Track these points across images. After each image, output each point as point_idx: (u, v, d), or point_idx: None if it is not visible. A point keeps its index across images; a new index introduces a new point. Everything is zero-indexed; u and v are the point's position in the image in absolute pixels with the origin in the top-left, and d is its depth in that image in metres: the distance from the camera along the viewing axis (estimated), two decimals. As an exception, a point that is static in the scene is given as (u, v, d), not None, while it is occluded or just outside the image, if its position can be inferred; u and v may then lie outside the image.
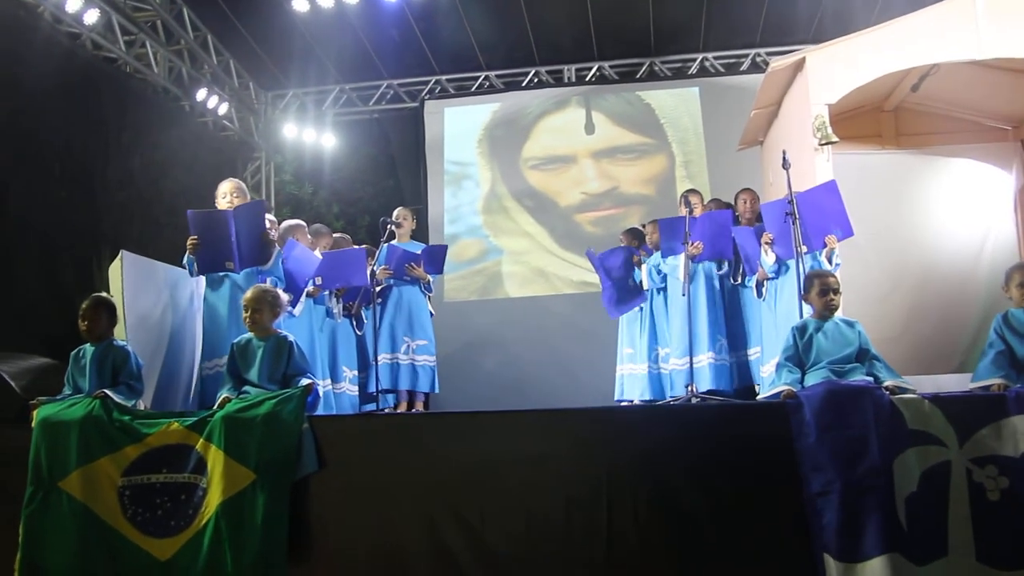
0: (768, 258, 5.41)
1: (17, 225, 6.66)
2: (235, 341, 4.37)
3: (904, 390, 3.70)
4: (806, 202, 4.91)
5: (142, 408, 4.35)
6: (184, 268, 5.08)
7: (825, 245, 5.13)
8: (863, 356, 3.97)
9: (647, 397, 6.18)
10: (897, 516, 3.42)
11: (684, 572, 3.65)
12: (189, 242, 4.94)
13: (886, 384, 3.74)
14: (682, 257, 5.71)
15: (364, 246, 6.20)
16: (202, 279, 5.14)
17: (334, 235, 6.59)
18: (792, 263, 5.09)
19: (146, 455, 4.00)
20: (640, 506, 3.70)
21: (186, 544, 3.87)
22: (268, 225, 5.18)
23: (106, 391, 4.18)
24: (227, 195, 5.22)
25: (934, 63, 5.73)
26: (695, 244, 5.64)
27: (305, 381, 4.12)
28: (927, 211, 6.57)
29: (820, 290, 4.10)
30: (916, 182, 6.61)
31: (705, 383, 5.79)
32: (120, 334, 4.61)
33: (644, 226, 6.67)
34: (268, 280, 4.92)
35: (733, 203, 6.29)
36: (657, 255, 6.29)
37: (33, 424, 4.07)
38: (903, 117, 6.81)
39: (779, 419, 3.68)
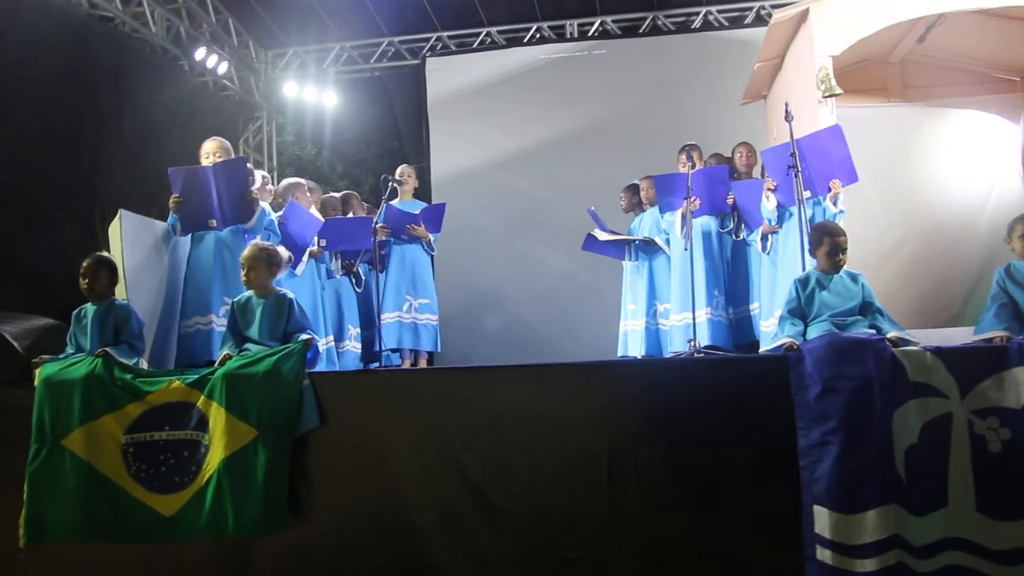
0: (769, 203, 5.37)
1: (18, 189, 6.62)
2: (235, 299, 4.37)
3: (907, 342, 3.67)
4: (810, 146, 4.83)
5: (144, 366, 4.35)
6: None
7: (830, 190, 5.06)
8: (866, 309, 3.94)
9: (645, 352, 6.16)
10: (895, 468, 3.41)
11: (684, 527, 3.66)
12: (172, 200, 4.91)
13: (889, 336, 3.70)
14: (678, 213, 5.67)
15: (367, 207, 6.16)
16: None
17: (343, 193, 6.58)
18: (794, 210, 5.04)
19: (148, 413, 4.02)
20: (641, 458, 3.71)
21: (190, 500, 3.91)
22: (261, 182, 5.12)
23: (107, 350, 4.19)
24: (210, 155, 5.14)
25: (940, 12, 5.59)
26: (692, 200, 5.57)
27: (304, 337, 4.11)
28: (933, 163, 6.48)
29: (830, 249, 4.04)
30: (922, 135, 6.51)
31: (702, 339, 5.76)
32: (121, 293, 4.60)
33: (640, 181, 6.59)
34: (259, 238, 4.87)
35: (731, 157, 6.24)
36: (652, 211, 6.27)
37: (36, 383, 4.09)
38: (909, 69, 6.68)
39: (779, 372, 3.66)
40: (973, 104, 6.51)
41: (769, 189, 5.37)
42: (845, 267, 4.10)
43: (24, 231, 6.66)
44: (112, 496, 3.96)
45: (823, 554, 3.37)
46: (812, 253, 4.17)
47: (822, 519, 3.40)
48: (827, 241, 4.05)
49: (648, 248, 6.29)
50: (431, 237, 6.25)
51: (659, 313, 6.23)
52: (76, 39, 7.53)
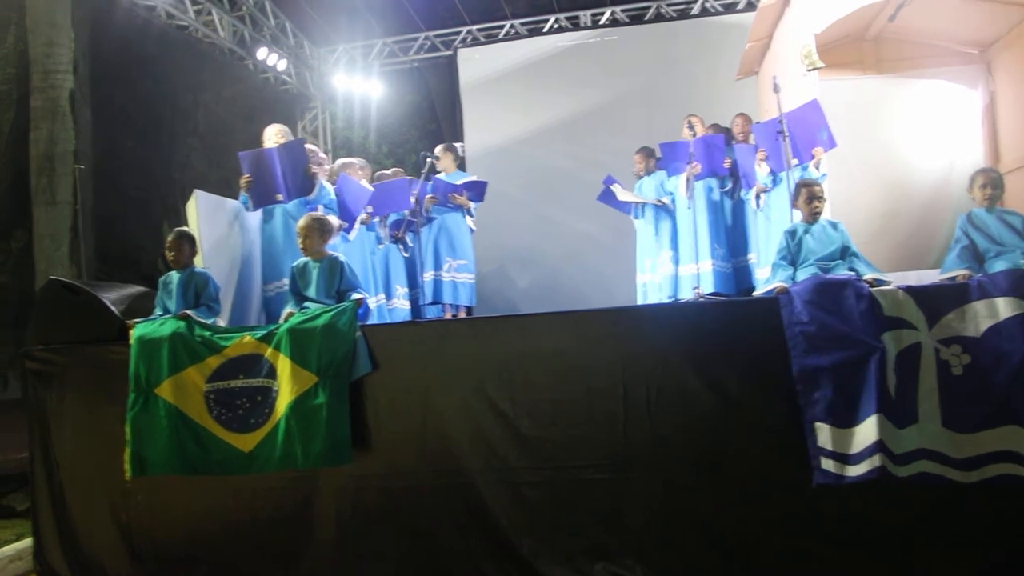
0: (762, 171, 5.30)
1: (112, 175, 6.68)
2: (294, 264, 4.35)
3: (882, 282, 3.62)
4: (793, 119, 4.78)
5: (220, 325, 4.37)
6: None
7: (813, 157, 5.00)
8: (845, 253, 3.90)
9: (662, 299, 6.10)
10: (887, 385, 3.37)
11: (690, 449, 3.63)
12: (242, 181, 4.90)
13: (866, 277, 3.65)
14: (683, 176, 5.60)
15: (408, 177, 6.12)
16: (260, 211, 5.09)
17: (391, 171, 6.54)
18: (784, 175, 4.98)
19: (225, 364, 4.04)
20: (652, 392, 3.67)
21: (264, 437, 3.94)
22: (321, 160, 5.09)
23: (188, 312, 4.21)
24: (272, 137, 5.14)
25: (908, -6, 5.43)
26: (693, 165, 5.50)
27: (356, 295, 4.10)
28: (904, 127, 6.38)
29: (807, 198, 4.06)
30: (895, 103, 6.42)
31: (708, 287, 5.70)
32: (199, 262, 4.62)
33: (634, 155, 6.52)
34: (320, 208, 4.85)
35: (731, 125, 6.12)
36: (658, 174, 6.22)
37: (131, 341, 4.13)
38: (882, 45, 6.54)
39: (773, 311, 3.58)
40: (938, 75, 6.39)
41: (761, 159, 5.32)
42: (828, 217, 4.05)
43: (119, 211, 6.73)
44: (198, 436, 4.00)
45: (827, 463, 3.37)
46: (794, 205, 4.18)
47: (824, 434, 3.39)
48: (803, 192, 4.08)
49: (655, 208, 6.20)
50: (472, 205, 6.22)
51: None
52: (157, 45, 7.54)
